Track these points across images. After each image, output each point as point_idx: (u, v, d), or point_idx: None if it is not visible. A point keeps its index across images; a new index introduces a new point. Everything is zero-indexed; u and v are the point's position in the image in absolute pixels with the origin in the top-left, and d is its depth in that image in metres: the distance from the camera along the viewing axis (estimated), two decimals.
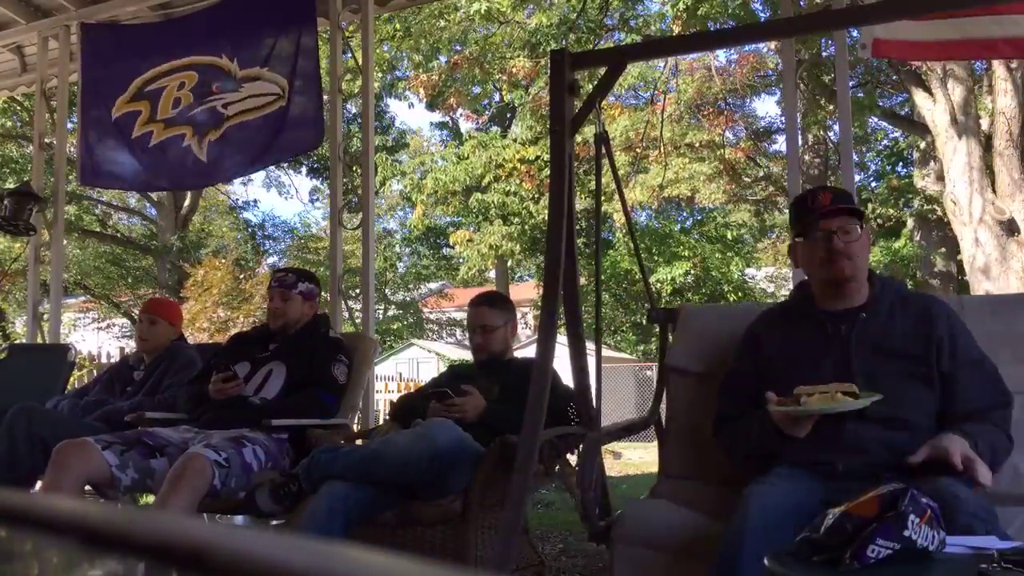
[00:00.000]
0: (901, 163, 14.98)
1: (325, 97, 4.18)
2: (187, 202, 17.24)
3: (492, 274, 19.28)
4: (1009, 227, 7.90)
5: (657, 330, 2.62)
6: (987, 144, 8.48)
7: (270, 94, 4.16)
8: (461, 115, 18.75)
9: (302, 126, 4.13)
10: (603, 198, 2.60)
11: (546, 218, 2.19)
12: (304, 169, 20.12)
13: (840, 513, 1.25)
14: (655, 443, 2.50)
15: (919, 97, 8.71)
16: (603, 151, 2.23)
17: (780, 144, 15.29)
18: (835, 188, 2.11)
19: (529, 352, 2.40)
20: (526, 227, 16.03)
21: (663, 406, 2.47)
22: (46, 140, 5.02)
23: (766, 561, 1.31)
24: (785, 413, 1.74)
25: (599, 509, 2.03)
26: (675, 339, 2.44)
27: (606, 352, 15.44)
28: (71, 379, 3.91)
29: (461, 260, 17.82)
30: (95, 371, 7.19)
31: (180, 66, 4.40)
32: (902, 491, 1.24)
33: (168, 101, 4.39)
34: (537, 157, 15.54)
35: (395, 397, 6.80)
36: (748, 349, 2.05)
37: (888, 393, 1.74)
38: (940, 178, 8.79)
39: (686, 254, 15.77)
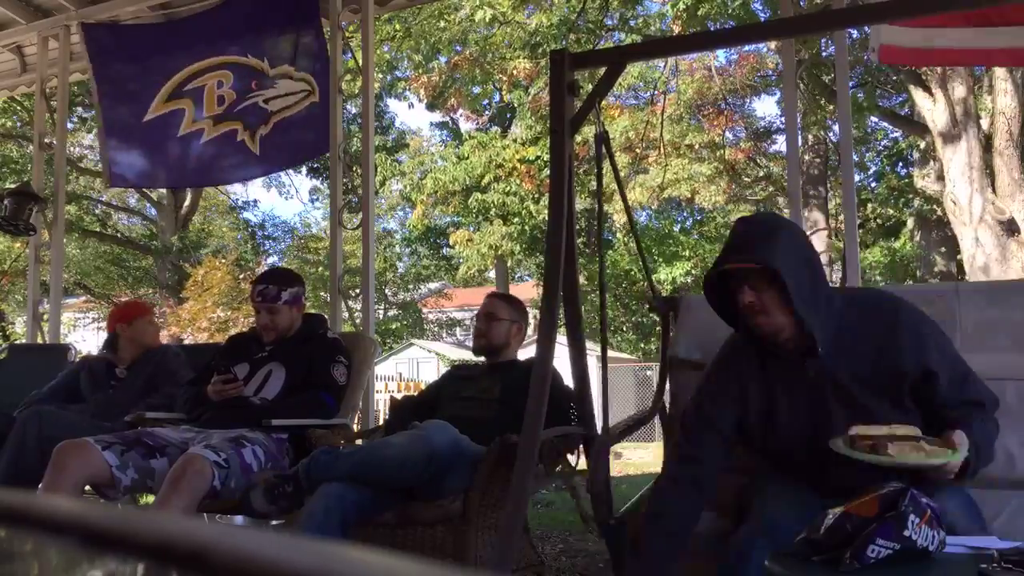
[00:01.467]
0: (901, 163, 14.99)
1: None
2: (187, 202, 17.26)
3: (492, 274, 19.29)
4: (1009, 227, 7.90)
5: (658, 329, 2.63)
6: (987, 144, 8.48)
7: (300, 91, 4.22)
8: (461, 115, 18.77)
9: (323, 126, 4.20)
10: (603, 198, 2.60)
11: (546, 218, 2.20)
12: (304, 169, 20.13)
13: (840, 513, 1.25)
14: (655, 443, 2.50)
15: (919, 97, 8.72)
16: (603, 151, 2.23)
17: (780, 144, 15.31)
18: (752, 225, 1.81)
19: (529, 352, 2.40)
20: (526, 227, 16.04)
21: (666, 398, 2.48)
22: (46, 140, 5.02)
23: (766, 561, 1.31)
24: (869, 461, 1.54)
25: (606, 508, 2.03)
26: (676, 330, 2.45)
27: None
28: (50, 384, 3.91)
29: (461, 260, 17.82)
30: None
31: (215, 64, 4.46)
32: (902, 491, 1.24)
33: (212, 99, 4.45)
34: (537, 157, 15.55)
35: (394, 396, 6.79)
36: (719, 375, 1.88)
37: (869, 419, 1.62)
38: (940, 178, 8.80)
39: (686, 254, 15.78)
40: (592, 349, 2.70)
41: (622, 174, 14.12)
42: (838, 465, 1.59)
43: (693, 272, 15.67)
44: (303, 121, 4.26)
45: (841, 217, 3.34)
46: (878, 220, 13.85)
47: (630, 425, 2.48)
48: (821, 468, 1.68)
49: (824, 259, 10.22)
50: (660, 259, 15.81)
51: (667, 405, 2.46)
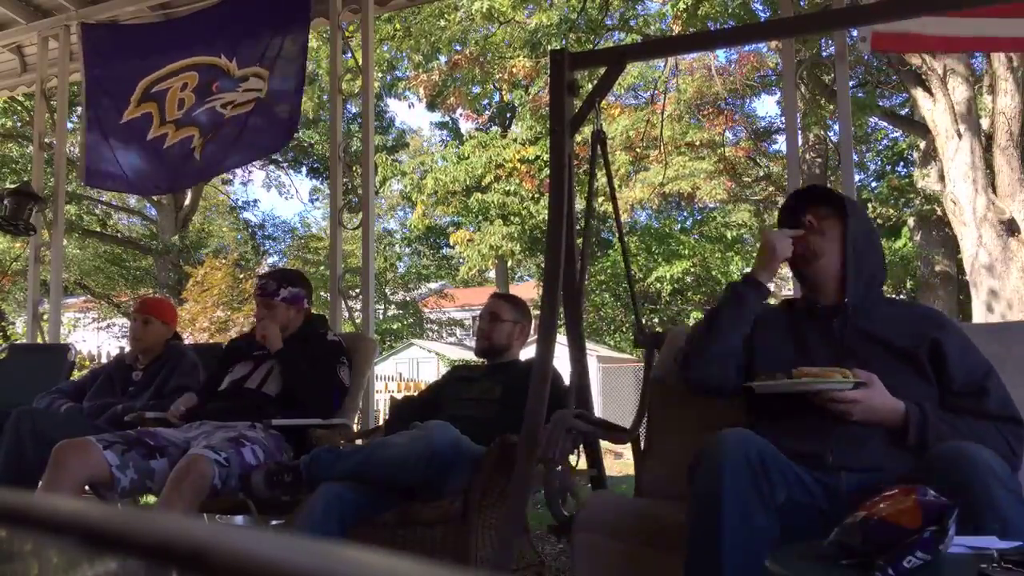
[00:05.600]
0: (901, 163, 14.98)
1: (325, 97, 4.20)
2: (187, 202, 17.26)
3: (492, 274, 19.29)
4: (1009, 227, 7.90)
5: (658, 329, 2.60)
6: (987, 144, 8.47)
7: (256, 90, 4.17)
8: (461, 115, 18.77)
9: (280, 125, 4.13)
10: (603, 198, 2.61)
11: (546, 218, 2.19)
12: (304, 169, 20.15)
13: (878, 520, 1.23)
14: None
15: (919, 97, 8.71)
16: (599, 152, 2.23)
17: (780, 144, 15.31)
18: (815, 185, 2.10)
19: (529, 352, 2.40)
20: (526, 227, 16.04)
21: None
22: (46, 140, 5.02)
23: (767, 563, 1.31)
24: (762, 388, 1.73)
25: (563, 500, 1.95)
26: (661, 354, 2.42)
27: (606, 352, 15.48)
28: (71, 379, 3.90)
29: (461, 260, 17.82)
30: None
31: (182, 67, 4.41)
32: (950, 508, 1.23)
33: (173, 102, 4.40)
34: (537, 157, 15.55)
35: (394, 396, 6.79)
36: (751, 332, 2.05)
37: (881, 378, 1.71)
38: (941, 178, 8.79)
39: (686, 253, 15.77)
40: (592, 349, 2.69)
41: (623, 172, 14.15)
42: (837, 417, 1.68)
43: (693, 271, 15.65)
44: (245, 122, 4.18)
45: None
46: (878, 220, 13.84)
47: (601, 424, 2.43)
48: (824, 419, 1.70)
49: None
50: (660, 259, 15.79)
51: (642, 438, 2.41)
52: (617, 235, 2.47)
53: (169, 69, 4.44)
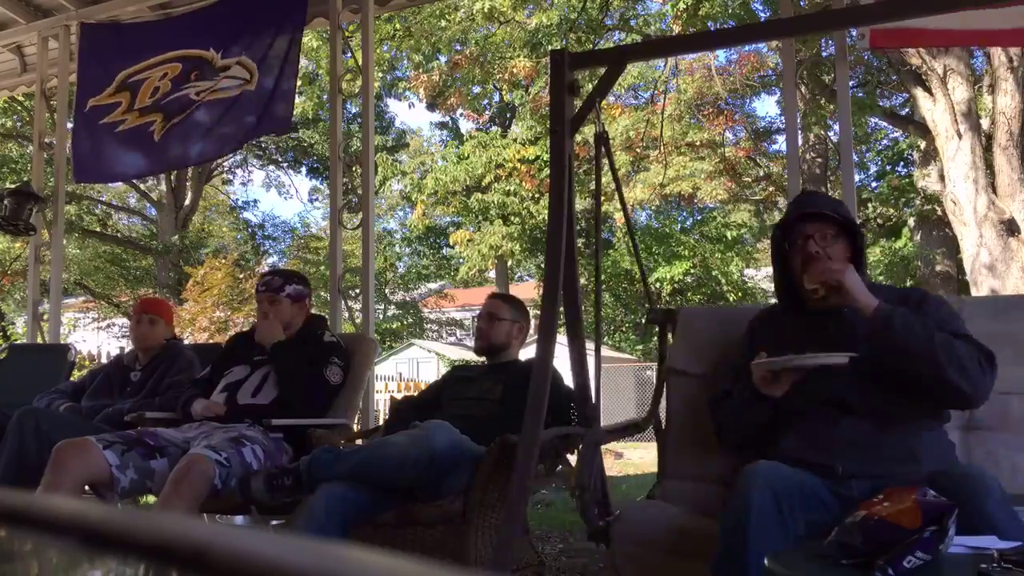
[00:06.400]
0: (901, 163, 14.98)
1: (324, 97, 4.19)
2: (187, 202, 17.26)
3: (492, 274, 19.29)
4: (1009, 227, 7.90)
5: (656, 329, 2.61)
6: (987, 144, 8.47)
7: (239, 78, 4.15)
8: (461, 115, 18.77)
9: (266, 119, 4.12)
10: (603, 198, 2.60)
11: (546, 218, 2.18)
12: (304, 169, 20.16)
13: (878, 520, 1.23)
14: (655, 443, 2.48)
15: (919, 97, 8.71)
16: (603, 151, 2.23)
17: (780, 144, 15.31)
18: (820, 194, 2.05)
19: (529, 352, 2.40)
20: (526, 227, 16.05)
21: (662, 408, 2.46)
22: (46, 140, 5.02)
23: (766, 561, 1.31)
24: (762, 365, 1.80)
25: (598, 508, 2.01)
26: (675, 341, 2.44)
27: (606, 352, 15.49)
28: (71, 379, 3.90)
29: (461, 260, 17.83)
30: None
31: (167, 59, 4.40)
32: (949, 508, 1.23)
33: (147, 91, 4.37)
34: (537, 157, 15.56)
35: (394, 396, 6.80)
36: (746, 341, 2.07)
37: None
38: (941, 178, 8.79)
39: (686, 254, 15.78)
40: (591, 349, 2.69)
41: (623, 172, 14.17)
42: (845, 415, 1.73)
43: (693, 272, 15.65)
44: (226, 111, 4.14)
45: None
46: (878, 220, 13.85)
47: (623, 428, 2.45)
48: (829, 420, 1.75)
49: None
50: (660, 259, 15.80)
51: (662, 418, 2.43)
52: (626, 228, 2.48)
53: (153, 61, 4.42)
